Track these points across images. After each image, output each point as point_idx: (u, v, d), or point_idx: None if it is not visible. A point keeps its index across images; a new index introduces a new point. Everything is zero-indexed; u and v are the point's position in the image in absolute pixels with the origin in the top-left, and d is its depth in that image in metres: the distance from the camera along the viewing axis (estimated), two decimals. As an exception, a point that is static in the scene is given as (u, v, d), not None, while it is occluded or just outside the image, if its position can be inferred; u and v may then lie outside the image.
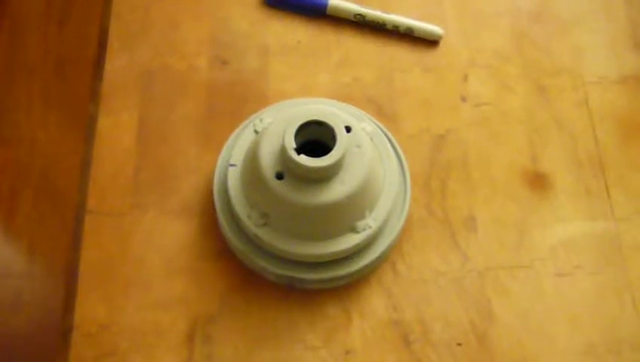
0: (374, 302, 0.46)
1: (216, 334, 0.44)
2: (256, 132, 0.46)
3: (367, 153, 0.43)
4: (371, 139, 0.45)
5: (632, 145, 0.51)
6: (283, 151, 0.41)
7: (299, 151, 0.41)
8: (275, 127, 0.44)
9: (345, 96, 0.51)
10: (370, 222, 0.44)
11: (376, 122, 0.49)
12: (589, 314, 0.45)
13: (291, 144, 0.41)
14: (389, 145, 0.47)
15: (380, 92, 0.52)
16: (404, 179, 0.47)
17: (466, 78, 0.53)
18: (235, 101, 0.51)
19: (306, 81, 0.52)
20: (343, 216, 0.43)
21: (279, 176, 0.42)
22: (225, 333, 0.44)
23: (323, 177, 0.42)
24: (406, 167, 0.47)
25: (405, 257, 0.47)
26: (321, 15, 0.54)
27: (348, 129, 0.43)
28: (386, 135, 0.48)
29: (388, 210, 0.44)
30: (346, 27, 0.54)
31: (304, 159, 0.41)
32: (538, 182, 0.49)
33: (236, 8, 0.55)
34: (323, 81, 0.52)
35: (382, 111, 0.51)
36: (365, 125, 0.46)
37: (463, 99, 0.52)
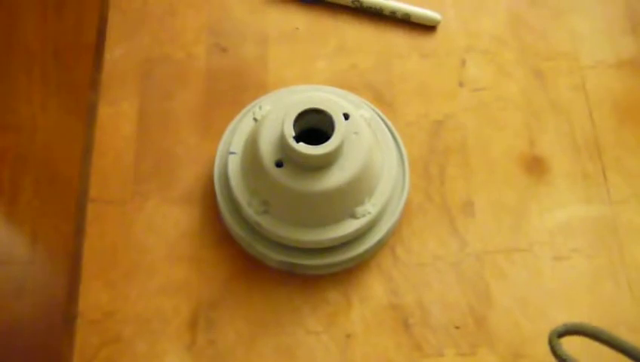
0: (374, 287, 0.46)
1: (218, 320, 0.45)
2: (255, 120, 0.47)
3: (365, 140, 0.43)
4: (369, 125, 0.46)
5: (628, 129, 0.51)
6: (282, 139, 0.42)
7: (298, 138, 0.42)
8: (274, 115, 0.44)
9: (343, 83, 0.52)
10: (369, 208, 0.44)
11: (375, 108, 0.49)
12: (585, 297, 0.46)
13: (290, 132, 0.42)
14: (387, 131, 0.48)
15: (378, 78, 0.52)
16: (402, 165, 0.47)
17: (463, 63, 0.53)
18: (235, 89, 0.51)
19: (304, 68, 0.53)
20: (342, 202, 0.43)
21: (279, 164, 0.43)
22: (227, 319, 0.45)
23: (322, 164, 0.42)
24: (404, 152, 0.48)
25: (405, 242, 0.47)
26: (318, 2, 0.54)
27: (346, 116, 0.43)
28: (384, 121, 0.48)
29: (387, 195, 0.45)
30: (343, 14, 0.55)
31: (303, 147, 0.41)
32: (536, 166, 0.50)
33: (234, -4, 0.55)
34: (321, 68, 0.53)
35: (380, 98, 0.51)
36: (363, 112, 0.47)
37: (461, 84, 0.52)
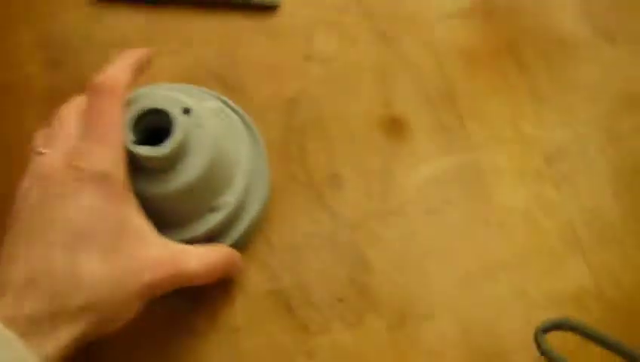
0: (253, 277, 0.46)
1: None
2: None
3: (210, 132, 0.42)
4: (217, 116, 0.45)
5: (478, 75, 0.52)
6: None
7: (145, 141, 0.40)
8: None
9: (190, 77, 0.50)
10: (228, 199, 0.43)
11: (222, 97, 0.48)
12: (461, 245, 0.46)
13: (128, 137, 0.40)
14: (237, 119, 0.47)
15: (225, 67, 0.51)
16: (259, 150, 0.46)
17: (309, 37, 0.53)
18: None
19: (148, 72, 0.51)
20: (198, 198, 0.42)
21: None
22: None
23: (168, 164, 0.41)
24: (258, 136, 0.47)
25: (276, 226, 0.47)
26: (155, 1, 0.53)
27: (187, 110, 0.42)
28: (233, 109, 0.47)
29: (244, 183, 0.44)
30: (182, 9, 0.53)
31: (141, 149, 0.40)
32: (394, 127, 0.50)
33: (66, 7, 0.53)
34: (166, 65, 0.51)
35: (229, 85, 0.50)
36: (209, 103, 0.45)
37: (309, 58, 0.52)
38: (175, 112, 0.40)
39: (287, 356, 0.43)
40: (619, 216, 0.48)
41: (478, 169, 0.49)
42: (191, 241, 0.43)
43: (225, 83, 0.51)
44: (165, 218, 0.42)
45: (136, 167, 0.41)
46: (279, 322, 0.44)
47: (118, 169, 0.37)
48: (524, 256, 0.46)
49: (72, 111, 0.39)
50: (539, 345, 0.39)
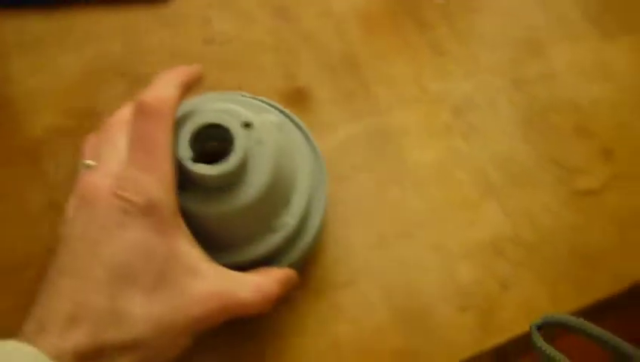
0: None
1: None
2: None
3: (270, 149, 0.39)
4: (280, 130, 0.42)
5: (379, 39, 0.52)
6: (180, 162, 0.37)
7: (201, 157, 0.37)
8: None
9: (94, 75, 0.50)
10: (288, 220, 0.41)
11: (283, 109, 0.45)
12: (377, 209, 0.47)
13: (186, 154, 0.37)
14: (298, 132, 0.44)
15: (128, 59, 0.51)
16: (319, 166, 0.44)
17: (207, 20, 0.52)
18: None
19: (52, 71, 0.50)
20: (257, 218, 0.40)
21: (182, 188, 0.37)
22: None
23: (225, 183, 0.38)
24: (319, 151, 0.44)
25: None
26: (53, 2, 0.52)
27: (247, 125, 0.39)
28: (294, 122, 0.44)
29: (305, 203, 0.41)
30: (80, 9, 0.53)
31: (200, 168, 0.37)
32: (299, 98, 0.50)
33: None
34: (70, 63, 0.50)
35: (134, 78, 0.50)
36: (270, 116, 0.42)
37: (209, 41, 0.52)
38: (236, 127, 0.38)
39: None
40: (530, 157, 0.49)
41: (387, 131, 0.49)
42: (247, 264, 0.40)
43: (128, 75, 0.50)
44: (220, 239, 0.39)
45: (190, 185, 0.38)
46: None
47: (166, 197, 0.35)
48: (440, 211, 0.47)
49: (120, 123, 0.37)
50: (534, 342, 0.39)
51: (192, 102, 0.41)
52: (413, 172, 0.48)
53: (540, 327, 0.40)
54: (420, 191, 0.47)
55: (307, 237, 0.42)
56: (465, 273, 0.45)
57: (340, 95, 0.50)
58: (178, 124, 0.38)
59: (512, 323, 0.44)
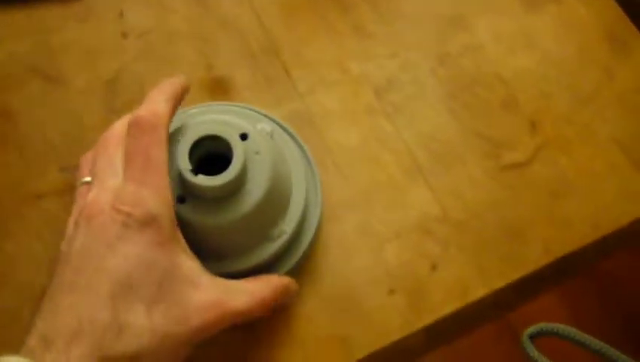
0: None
1: None
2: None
3: (267, 158, 0.40)
4: (273, 138, 0.42)
5: (300, 23, 0.51)
6: (180, 174, 0.38)
7: (198, 168, 0.38)
8: None
9: (9, 76, 0.48)
10: (285, 228, 0.41)
11: (272, 116, 0.45)
12: (300, 194, 0.46)
13: (187, 165, 0.38)
14: (289, 139, 0.45)
15: (41, 58, 0.49)
16: (312, 171, 0.45)
17: (121, 13, 0.51)
18: None
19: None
20: (255, 228, 0.40)
21: (181, 200, 0.38)
22: None
23: (225, 194, 0.38)
24: (310, 155, 0.45)
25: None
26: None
27: (244, 136, 0.39)
28: (284, 129, 0.45)
29: (301, 210, 0.42)
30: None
31: (202, 179, 0.37)
32: (220, 87, 0.49)
33: None
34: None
35: (47, 76, 0.48)
36: (263, 125, 0.43)
37: (126, 35, 0.50)
38: (234, 139, 0.38)
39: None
40: (457, 133, 0.48)
41: (309, 116, 0.48)
42: (245, 272, 0.40)
43: (42, 74, 0.49)
44: (219, 249, 0.40)
45: (189, 197, 0.38)
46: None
47: (164, 210, 0.35)
48: (367, 193, 0.46)
49: (115, 138, 0.38)
50: (527, 352, 0.38)
51: (186, 113, 0.42)
52: (338, 155, 0.47)
53: (533, 337, 0.40)
54: (344, 174, 0.46)
55: (304, 242, 0.43)
56: (393, 255, 0.44)
57: (261, 82, 0.49)
58: (172, 136, 0.39)
59: (443, 303, 0.43)
